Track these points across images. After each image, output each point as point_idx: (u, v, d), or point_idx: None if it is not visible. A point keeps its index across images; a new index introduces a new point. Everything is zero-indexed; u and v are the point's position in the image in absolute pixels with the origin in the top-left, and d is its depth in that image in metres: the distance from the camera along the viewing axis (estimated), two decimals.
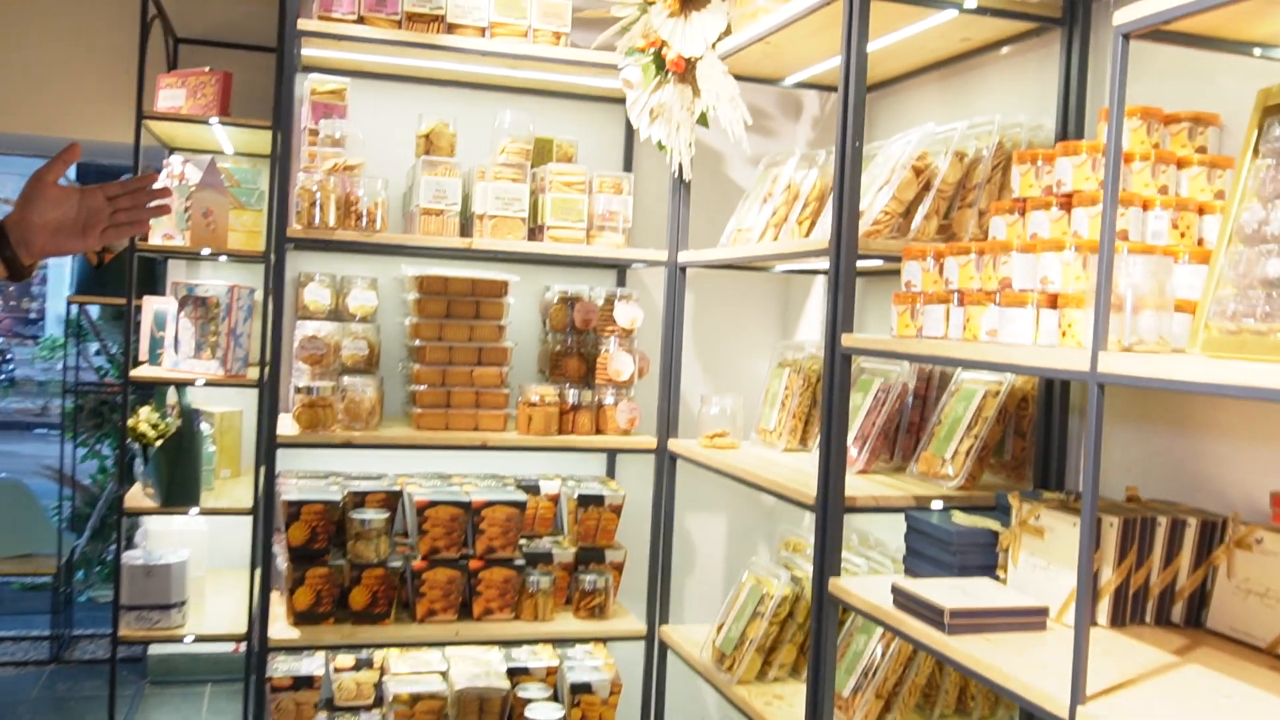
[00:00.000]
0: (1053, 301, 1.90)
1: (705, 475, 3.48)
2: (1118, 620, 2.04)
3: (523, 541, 3.39)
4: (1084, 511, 1.64)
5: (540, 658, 3.48)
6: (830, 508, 2.37)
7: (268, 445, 3.07)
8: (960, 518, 2.31)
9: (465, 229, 3.27)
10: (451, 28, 3.23)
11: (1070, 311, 1.85)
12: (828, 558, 2.37)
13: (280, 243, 3.06)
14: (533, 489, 3.47)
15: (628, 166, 3.70)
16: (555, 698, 3.40)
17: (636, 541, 3.52)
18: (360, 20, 3.20)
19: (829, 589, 2.35)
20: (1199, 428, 2.18)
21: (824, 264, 2.74)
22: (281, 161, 3.48)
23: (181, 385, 4.37)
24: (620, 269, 3.72)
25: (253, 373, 4.44)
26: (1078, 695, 1.64)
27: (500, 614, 3.26)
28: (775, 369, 3.23)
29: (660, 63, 3.13)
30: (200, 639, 4.27)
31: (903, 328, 2.25)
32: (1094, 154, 2.00)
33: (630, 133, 3.75)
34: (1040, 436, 2.53)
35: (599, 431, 3.33)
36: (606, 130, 3.71)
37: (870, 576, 2.48)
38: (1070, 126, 2.48)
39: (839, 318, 2.36)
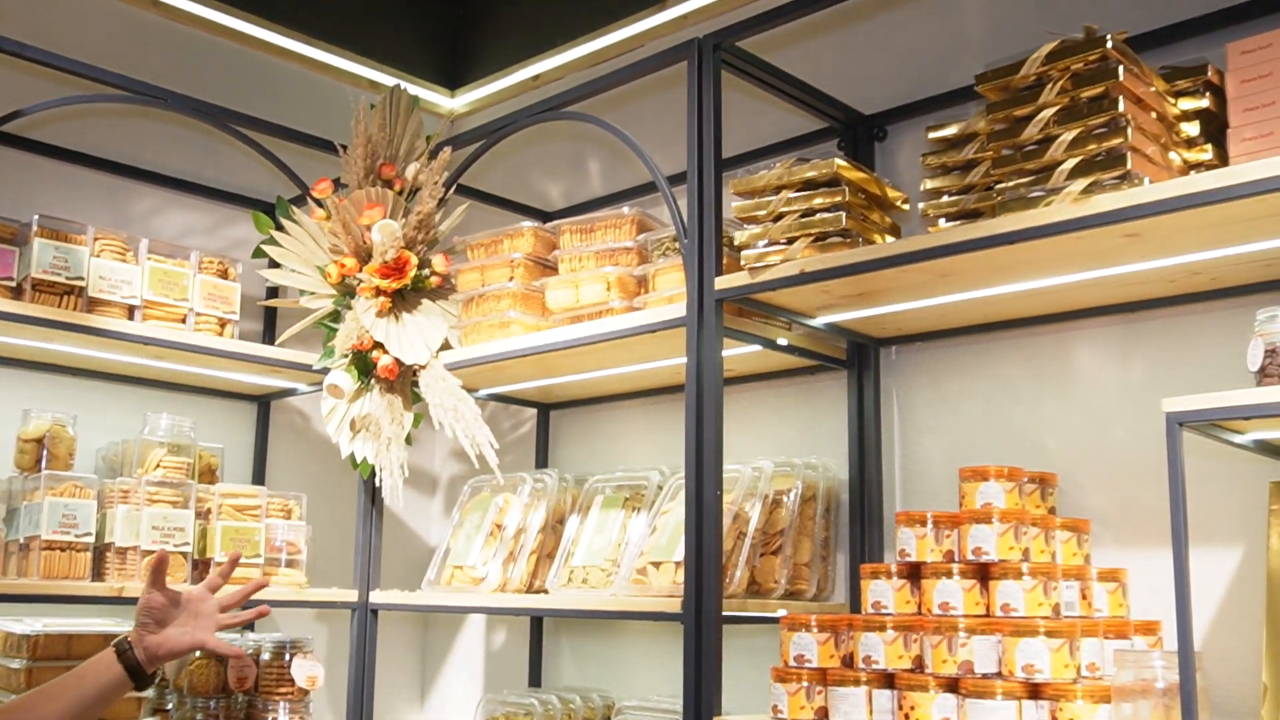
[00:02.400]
0: (1033, 692, 1.75)
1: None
2: None
3: None
4: None
5: None
6: None
7: None
8: None
9: (97, 567, 2.46)
10: (93, 303, 2.52)
11: (1066, 705, 1.70)
12: None
13: None
14: None
15: (259, 479, 3.08)
16: None
17: None
18: None
19: None
20: None
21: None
22: None
23: None
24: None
25: None
26: None
27: None
28: None
29: (365, 367, 2.65)
30: None
31: (795, 710, 1.96)
32: (1010, 521, 1.92)
33: (264, 438, 3.14)
34: None
35: None
36: (235, 433, 3.08)
37: None
38: (868, 473, 2.42)
39: (702, 694, 2.02)
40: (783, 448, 2.57)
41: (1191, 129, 1.84)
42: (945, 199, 2.01)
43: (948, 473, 2.31)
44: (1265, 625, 1.78)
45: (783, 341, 2.35)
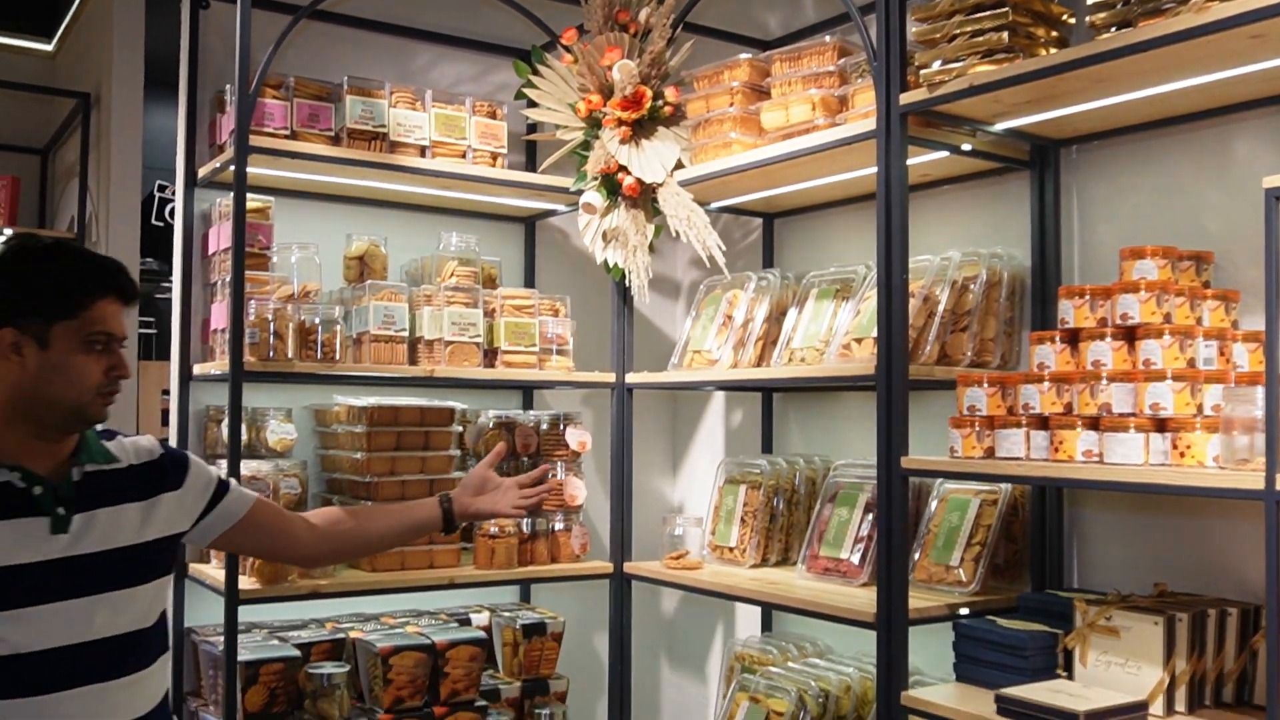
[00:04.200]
0: (1159, 425, 2.12)
1: (640, 598, 3.48)
2: (1193, 707, 2.26)
3: None
4: (1269, 623, 1.83)
5: None
6: (895, 623, 2.46)
7: (229, 603, 2.75)
8: (1011, 624, 2.48)
9: (411, 355, 3.12)
10: (394, 146, 3.12)
11: (1186, 434, 2.07)
12: (894, 672, 2.45)
13: (237, 377, 2.78)
14: (464, 621, 3.32)
15: (529, 285, 3.68)
16: None
17: (566, 668, 3.43)
18: (294, 136, 3.03)
19: (902, 701, 2.43)
20: (1214, 528, 2.46)
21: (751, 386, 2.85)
22: (184, 284, 3.22)
23: None
24: (526, 391, 3.66)
25: None
26: None
27: None
28: (726, 485, 3.30)
29: (613, 187, 3.16)
30: None
31: (968, 449, 2.40)
32: (1154, 289, 2.25)
33: (532, 252, 3.73)
34: (1035, 541, 2.75)
35: (553, 559, 3.25)
36: (508, 250, 3.67)
37: (928, 686, 2.57)
38: (1049, 260, 2.76)
39: (893, 440, 2.48)
40: (971, 241, 2.92)
41: None
42: (1102, 14, 2.28)
43: (1118, 257, 2.62)
44: None
45: (966, 147, 2.69)
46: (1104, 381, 2.19)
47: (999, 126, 2.64)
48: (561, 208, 3.56)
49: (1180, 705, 2.25)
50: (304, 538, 2.31)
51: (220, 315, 3.01)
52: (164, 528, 2.05)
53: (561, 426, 3.33)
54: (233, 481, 2.23)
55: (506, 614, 3.41)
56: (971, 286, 2.77)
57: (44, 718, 1.86)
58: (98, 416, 1.97)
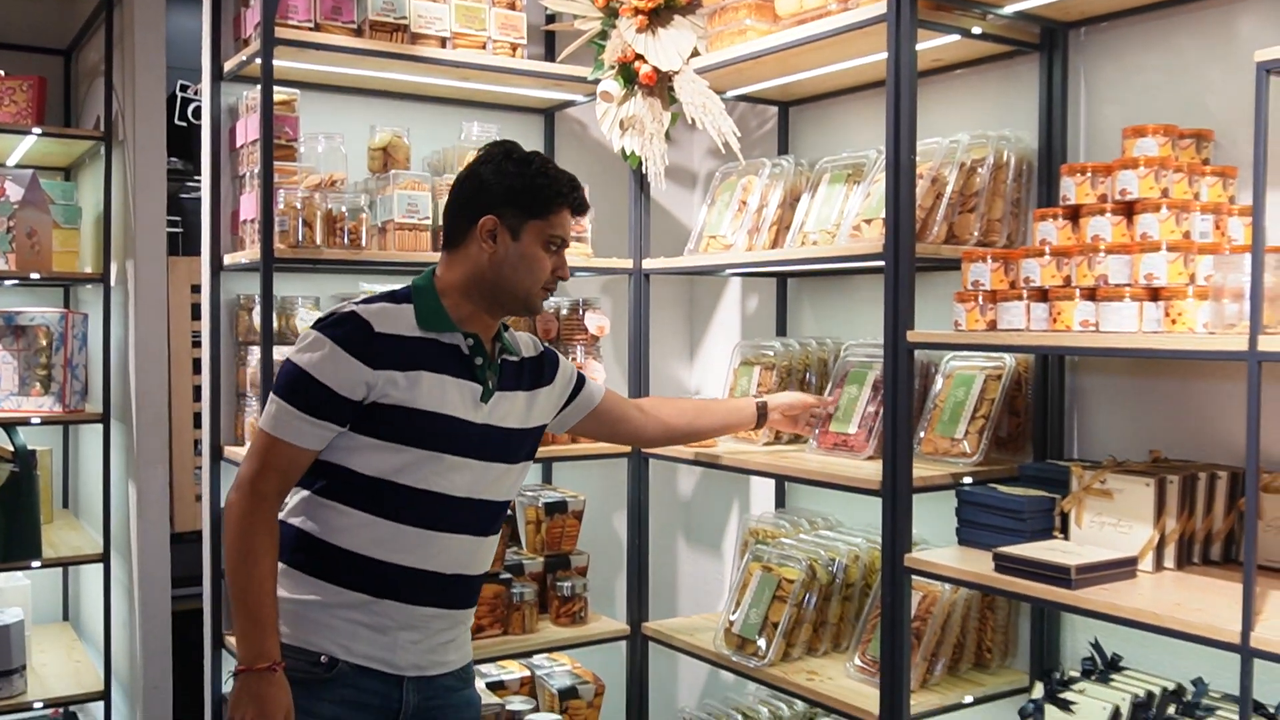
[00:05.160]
0: (1153, 295, 2.21)
1: (658, 476, 3.62)
2: (1181, 563, 2.39)
3: None
4: (1248, 478, 1.94)
5: (511, 671, 3.48)
6: (900, 490, 2.58)
7: None
8: (1011, 490, 2.60)
9: (434, 242, 3.22)
10: (415, 38, 3.18)
11: (1178, 303, 2.16)
12: (899, 535, 2.58)
13: (268, 264, 2.89)
14: None
15: None
16: (536, 709, 3.41)
17: (587, 544, 3.59)
18: (317, 28, 3.09)
19: (905, 563, 2.57)
20: (1206, 395, 2.57)
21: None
22: (212, 176, 3.32)
23: (11, 426, 4.00)
24: None
25: (91, 407, 4.13)
26: (1249, 624, 1.95)
27: (492, 630, 3.24)
28: (741, 367, 3.41)
29: (630, 76, 3.23)
30: (52, 704, 3.95)
31: (971, 323, 2.50)
32: (1153, 165, 2.33)
33: (552, 143, 3.81)
34: (1037, 414, 2.86)
35: (574, 440, 3.38)
36: (528, 141, 3.74)
37: (931, 549, 2.71)
38: (1055, 141, 2.82)
39: (899, 316, 2.58)
40: (980, 125, 2.98)
41: None
42: None
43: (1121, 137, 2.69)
44: None
45: (976, 30, 2.74)
46: (1101, 254, 2.28)
47: (1009, 9, 2.68)
48: (580, 98, 3.62)
49: (1169, 562, 2.38)
50: (638, 421, 2.74)
51: (249, 206, 3.12)
52: (539, 418, 2.42)
53: (581, 312, 3.44)
54: (585, 374, 2.62)
55: (529, 493, 3.56)
56: (979, 169, 2.84)
57: (432, 550, 2.21)
58: (538, 308, 2.33)
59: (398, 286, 2.29)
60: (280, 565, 2.21)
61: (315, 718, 2.17)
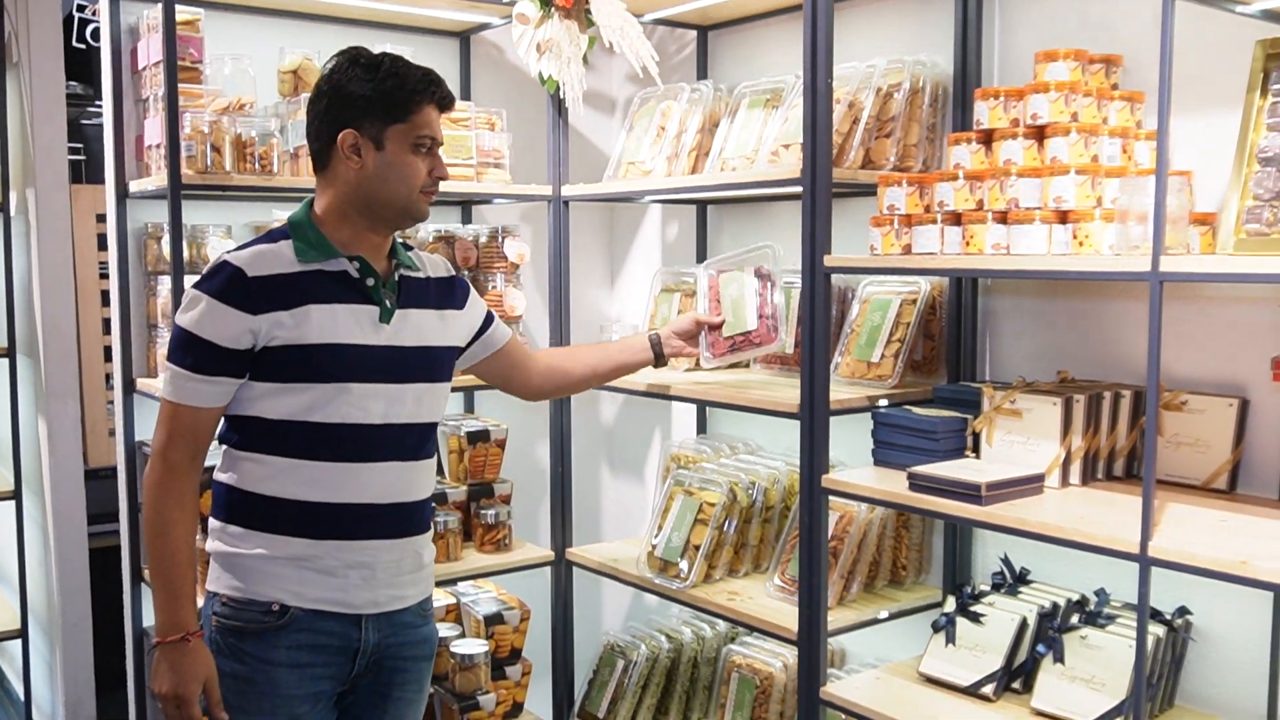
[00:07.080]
0: (1062, 218, 2.25)
1: (580, 406, 3.63)
2: (1086, 479, 2.47)
3: None
4: (1149, 396, 2.00)
5: (437, 598, 3.48)
6: (817, 413, 2.62)
7: None
8: (925, 411, 2.66)
9: None
10: None
11: (1085, 225, 2.21)
12: (817, 457, 2.63)
13: (175, 191, 2.82)
14: None
15: (465, 99, 3.69)
16: (462, 635, 3.44)
17: (510, 473, 3.60)
18: None
19: (822, 483, 2.62)
20: (1112, 316, 2.64)
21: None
22: (114, 100, 3.21)
23: None
24: (464, 205, 3.73)
25: None
26: (1147, 535, 2.02)
27: None
28: (661, 294, 3.42)
29: None
30: None
31: (887, 247, 2.53)
32: (1063, 90, 2.36)
33: (468, 67, 3.74)
34: (951, 338, 2.91)
35: None
36: (443, 64, 3.67)
37: (847, 470, 2.76)
38: (970, 66, 2.84)
39: (816, 240, 2.60)
40: (897, 51, 2.99)
41: None
42: None
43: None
44: (1234, 157, 2.19)
45: None
46: (1013, 178, 2.31)
47: None
48: (496, 20, 3.55)
49: (1074, 478, 2.46)
50: (534, 372, 2.66)
51: (154, 130, 3.02)
52: (453, 339, 2.36)
53: (500, 239, 3.41)
54: (495, 315, 2.57)
55: (451, 423, 3.55)
56: (895, 93, 2.86)
57: (360, 483, 2.16)
58: (421, 214, 2.23)
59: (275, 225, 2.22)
60: (219, 524, 2.20)
61: (272, 665, 2.15)
